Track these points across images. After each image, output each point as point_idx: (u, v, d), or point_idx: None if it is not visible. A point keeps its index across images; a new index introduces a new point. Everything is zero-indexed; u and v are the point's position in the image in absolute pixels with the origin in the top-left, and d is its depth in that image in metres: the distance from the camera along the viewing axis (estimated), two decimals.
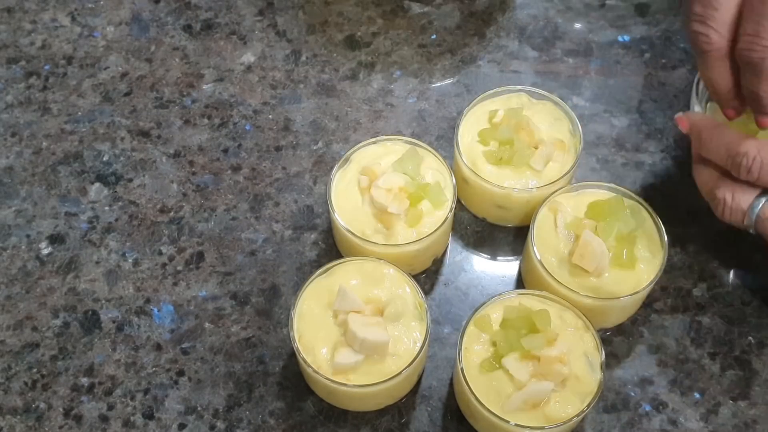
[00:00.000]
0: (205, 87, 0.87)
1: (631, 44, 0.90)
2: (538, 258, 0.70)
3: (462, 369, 0.65)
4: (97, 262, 0.77)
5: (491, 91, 0.79)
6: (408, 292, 0.68)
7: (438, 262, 0.77)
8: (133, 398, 0.71)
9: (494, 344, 0.66)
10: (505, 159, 0.75)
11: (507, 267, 0.78)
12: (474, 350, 0.66)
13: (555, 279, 0.69)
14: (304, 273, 0.75)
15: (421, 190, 0.72)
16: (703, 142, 0.68)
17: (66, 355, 0.73)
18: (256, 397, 0.71)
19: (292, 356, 0.71)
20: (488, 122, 0.77)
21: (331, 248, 0.78)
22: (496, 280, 0.77)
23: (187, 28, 0.91)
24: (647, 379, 0.72)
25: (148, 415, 0.70)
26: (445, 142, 0.83)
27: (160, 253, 0.77)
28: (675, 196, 0.80)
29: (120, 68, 0.88)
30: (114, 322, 0.74)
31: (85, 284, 0.76)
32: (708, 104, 0.75)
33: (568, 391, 0.65)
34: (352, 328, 0.64)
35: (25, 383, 0.71)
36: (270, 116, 0.85)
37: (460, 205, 0.79)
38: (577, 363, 0.65)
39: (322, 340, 0.66)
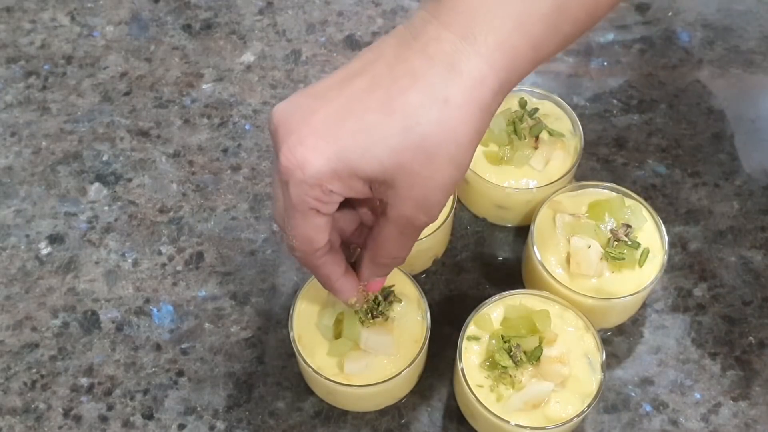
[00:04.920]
0: (204, 87, 0.87)
1: (631, 44, 0.90)
2: (539, 258, 0.70)
3: (462, 369, 0.65)
4: (97, 262, 0.77)
5: None
6: (408, 292, 0.68)
7: (438, 262, 0.77)
8: (132, 398, 0.71)
9: (494, 344, 0.66)
10: (505, 159, 0.75)
11: (507, 267, 0.78)
12: (474, 350, 0.66)
13: (555, 279, 0.69)
14: (304, 273, 0.75)
15: None
16: None
17: (65, 355, 0.73)
18: (256, 397, 0.71)
19: (292, 356, 0.71)
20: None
21: None
22: (496, 280, 0.77)
23: (187, 28, 0.91)
24: (647, 379, 0.72)
25: (148, 416, 0.70)
26: None
27: (160, 253, 0.77)
28: (675, 196, 0.80)
29: (119, 68, 0.88)
30: (113, 322, 0.74)
31: (84, 284, 0.76)
32: None
33: (569, 392, 0.65)
34: (358, 327, 0.64)
35: (25, 383, 0.71)
36: None
37: (460, 205, 0.79)
38: (577, 363, 0.65)
39: (322, 340, 0.66)
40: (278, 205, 0.53)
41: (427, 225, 0.53)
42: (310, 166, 0.48)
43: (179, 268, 0.77)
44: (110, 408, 0.70)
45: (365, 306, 0.64)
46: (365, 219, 0.58)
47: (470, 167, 0.74)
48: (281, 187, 0.51)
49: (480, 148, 0.76)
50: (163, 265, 0.77)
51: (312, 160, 0.48)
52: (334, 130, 0.49)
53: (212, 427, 0.69)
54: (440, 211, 0.52)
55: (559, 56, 0.89)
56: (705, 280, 0.76)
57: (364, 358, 0.65)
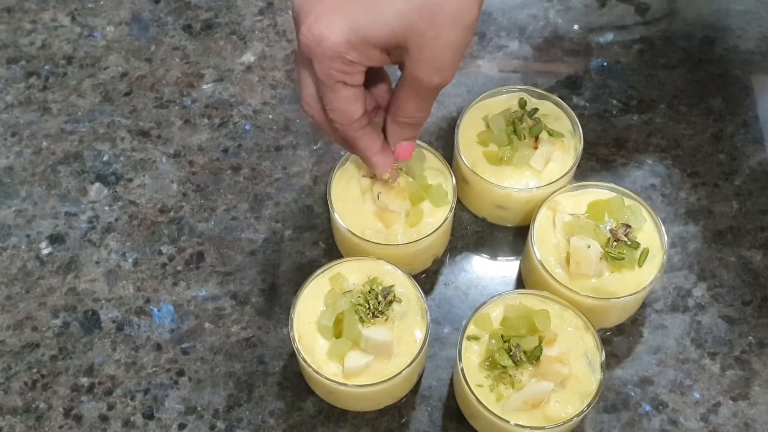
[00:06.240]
0: (205, 87, 0.87)
1: (631, 44, 0.90)
2: (539, 258, 0.70)
3: (462, 369, 0.65)
4: (97, 262, 0.77)
5: (491, 91, 0.79)
6: (408, 292, 0.68)
7: (438, 262, 0.77)
8: (133, 398, 0.71)
9: (494, 344, 0.66)
10: (505, 159, 0.75)
11: (507, 267, 0.78)
12: (474, 350, 0.66)
13: (555, 279, 0.69)
14: (304, 273, 0.75)
15: (422, 190, 0.72)
16: None
17: (66, 355, 0.73)
18: (256, 397, 0.71)
19: (292, 356, 0.71)
20: (485, 126, 0.77)
21: (331, 248, 0.78)
22: (496, 280, 0.77)
23: (187, 28, 0.91)
24: (647, 379, 0.72)
25: (148, 415, 0.70)
26: (445, 142, 0.83)
27: (160, 253, 0.77)
28: (674, 196, 0.80)
29: (120, 68, 0.88)
30: (114, 322, 0.74)
31: (85, 284, 0.76)
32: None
33: (568, 391, 0.65)
34: (358, 327, 0.65)
35: (25, 383, 0.71)
36: (270, 116, 0.85)
37: (460, 205, 0.79)
38: (577, 363, 0.65)
39: (322, 340, 0.66)
40: (306, 93, 0.58)
41: (441, 86, 0.56)
42: (326, 39, 0.53)
43: (179, 268, 0.77)
44: (111, 408, 0.70)
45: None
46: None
47: (470, 167, 0.74)
48: (307, 68, 0.56)
49: (480, 148, 0.76)
50: (164, 265, 0.77)
51: (327, 34, 0.53)
52: (345, 5, 0.53)
53: (212, 427, 0.70)
54: (453, 72, 0.55)
55: (559, 56, 0.89)
56: (704, 280, 0.76)
57: (364, 358, 0.65)
